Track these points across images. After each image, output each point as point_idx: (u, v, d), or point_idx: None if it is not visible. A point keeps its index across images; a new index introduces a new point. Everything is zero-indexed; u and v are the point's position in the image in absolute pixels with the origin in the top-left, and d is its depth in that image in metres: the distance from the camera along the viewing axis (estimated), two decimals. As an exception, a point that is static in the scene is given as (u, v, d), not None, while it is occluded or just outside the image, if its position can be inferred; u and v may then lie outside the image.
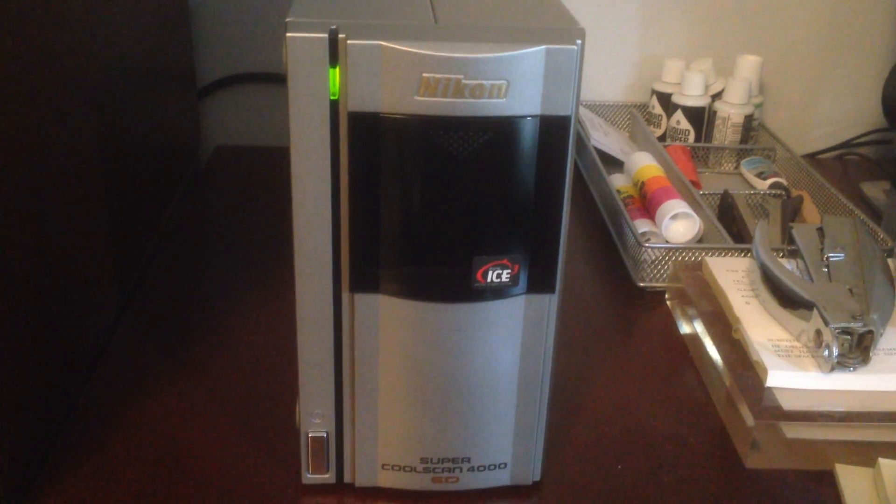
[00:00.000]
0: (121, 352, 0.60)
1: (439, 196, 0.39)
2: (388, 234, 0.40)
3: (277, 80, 0.96)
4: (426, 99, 0.37)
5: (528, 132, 0.39)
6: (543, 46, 0.37)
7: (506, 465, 0.48)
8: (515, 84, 0.38)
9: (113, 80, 0.63)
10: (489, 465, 0.47)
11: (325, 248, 0.41)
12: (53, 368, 0.51)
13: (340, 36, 0.37)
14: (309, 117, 0.39)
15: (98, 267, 0.59)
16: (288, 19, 0.37)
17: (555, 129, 0.39)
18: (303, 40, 0.37)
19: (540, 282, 0.43)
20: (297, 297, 0.43)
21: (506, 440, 0.47)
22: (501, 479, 0.48)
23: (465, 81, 0.37)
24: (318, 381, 0.45)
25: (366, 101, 0.38)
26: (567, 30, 0.38)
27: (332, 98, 0.38)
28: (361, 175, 0.39)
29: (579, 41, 0.38)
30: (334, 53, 0.37)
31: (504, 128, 0.38)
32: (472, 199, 0.39)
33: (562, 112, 0.39)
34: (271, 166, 0.90)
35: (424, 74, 0.37)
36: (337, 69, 0.38)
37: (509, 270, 0.41)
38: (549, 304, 0.44)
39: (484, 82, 0.37)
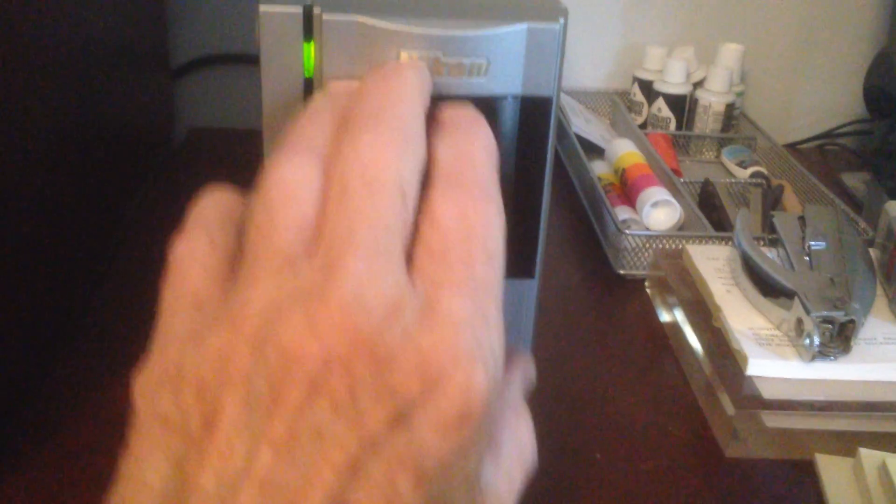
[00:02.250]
0: (88, 338, 0.58)
1: (417, 178, 0.38)
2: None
3: (254, 61, 0.94)
4: (404, 77, 0.36)
5: (509, 113, 0.37)
6: (525, 24, 0.36)
7: (483, 454, 0.47)
8: (496, 63, 0.36)
9: (81, 59, 0.61)
10: (466, 455, 0.46)
11: (299, 231, 0.40)
12: (16, 355, 0.50)
13: (315, 10, 0.36)
14: (282, 95, 0.37)
15: (65, 250, 0.58)
16: (261, -8, 0.36)
17: (536, 110, 0.38)
18: (276, 15, 0.36)
19: (519, 267, 0.42)
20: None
21: (483, 429, 0.46)
22: (478, 468, 0.47)
23: (443, 60, 0.36)
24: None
25: (342, 79, 0.36)
26: (549, 8, 0.37)
27: (306, 75, 0.37)
28: (336, 155, 0.38)
29: (562, 20, 0.37)
30: (308, 29, 0.36)
31: (484, 108, 0.37)
32: (450, 181, 0.38)
33: (544, 92, 0.38)
34: (246, 149, 0.88)
35: (402, 52, 0.36)
36: (311, 45, 0.36)
37: (488, 255, 0.40)
38: (528, 289, 0.43)
39: (463, 61, 0.36)
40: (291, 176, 0.24)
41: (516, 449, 0.26)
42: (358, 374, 0.20)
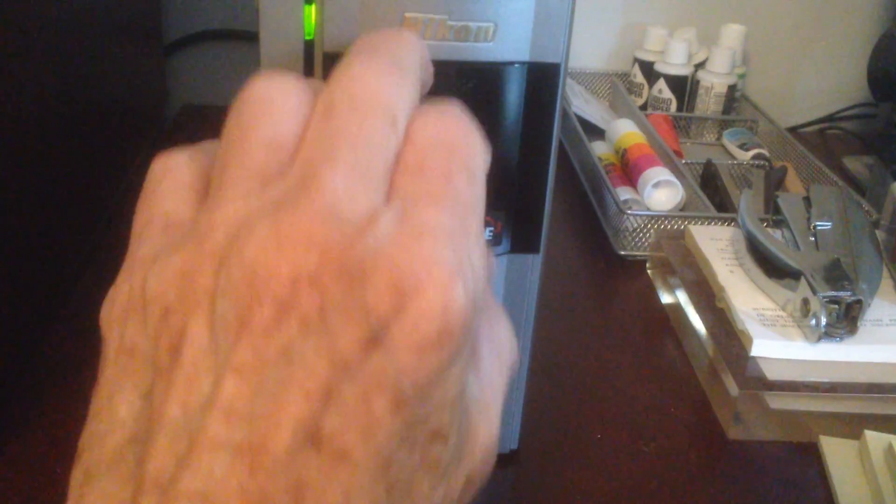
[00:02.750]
0: (77, 318, 0.57)
1: (420, 146, 0.37)
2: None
3: (248, 37, 0.93)
4: (408, 40, 0.35)
5: (516, 79, 0.36)
6: (534, -12, 0.35)
7: (483, 433, 0.46)
8: (503, 27, 0.35)
9: (73, 34, 0.59)
10: (466, 434, 0.45)
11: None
12: (5, 331, 0.48)
13: (317, -31, 0.34)
14: (282, 59, 0.36)
15: (56, 227, 0.56)
16: (260, -49, 0.34)
17: (544, 78, 0.37)
18: (276, -26, 0.34)
19: (524, 241, 0.41)
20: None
21: (483, 407, 0.45)
22: (478, 447, 0.46)
23: (449, 22, 0.35)
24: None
25: (344, 41, 0.35)
26: (559, -29, 0.36)
27: (306, 38, 0.36)
28: (337, 122, 0.37)
29: (572, -16, 0.35)
30: (310, -11, 0.35)
31: (490, 73, 0.36)
32: (454, 149, 0.37)
33: (552, 59, 0.36)
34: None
35: (406, 14, 0.34)
36: (313, 6, 0.35)
37: (492, 228, 0.39)
38: (532, 265, 0.42)
39: (470, 24, 0.35)
40: (271, 91, 0.23)
41: (496, 352, 0.24)
42: (328, 291, 0.19)
